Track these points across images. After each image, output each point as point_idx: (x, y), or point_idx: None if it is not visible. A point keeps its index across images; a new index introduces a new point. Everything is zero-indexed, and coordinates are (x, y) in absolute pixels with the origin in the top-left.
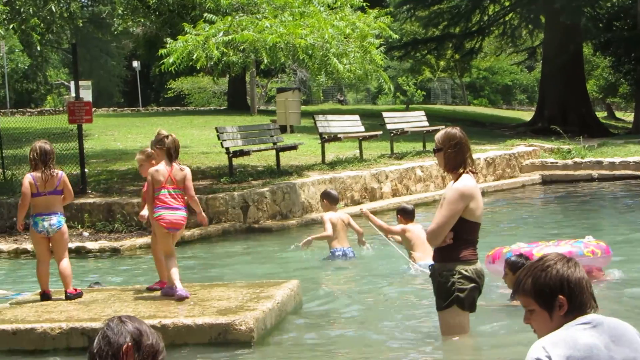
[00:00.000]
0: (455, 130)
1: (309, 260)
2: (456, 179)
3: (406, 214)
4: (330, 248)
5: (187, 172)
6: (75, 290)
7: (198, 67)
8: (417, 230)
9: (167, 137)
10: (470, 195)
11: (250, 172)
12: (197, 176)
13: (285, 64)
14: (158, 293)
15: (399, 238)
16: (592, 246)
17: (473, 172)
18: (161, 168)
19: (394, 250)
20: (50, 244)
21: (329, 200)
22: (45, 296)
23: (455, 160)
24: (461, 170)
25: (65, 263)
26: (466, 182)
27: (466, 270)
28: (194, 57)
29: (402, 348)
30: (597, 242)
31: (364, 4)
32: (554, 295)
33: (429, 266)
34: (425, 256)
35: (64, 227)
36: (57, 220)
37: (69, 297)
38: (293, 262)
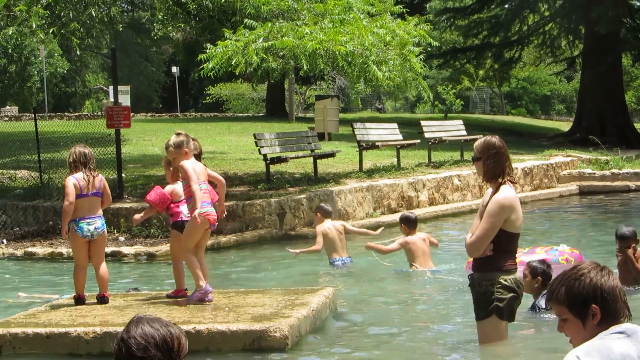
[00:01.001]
0: (495, 139)
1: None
2: (495, 189)
3: (409, 223)
4: (330, 258)
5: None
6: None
7: (237, 73)
8: (418, 241)
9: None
10: (511, 207)
11: (287, 179)
12: (234, 182)
13: (324, 71)
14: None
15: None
16: (567, 254)
17: (512, 182)
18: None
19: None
20: (89, 247)
21: (322, 213)
22: (80, 300)
23: (494, 169)
24: (500, 180)
25: (105, 267)
26: (507, 193)
27: (506, 280)
28: (233, 63)
29: (439, 355)
30: (571, 250)
31: (404, 11)
32: (587, 304)
33: (468, 276)
34: (424, 267)
35: (105, 231)
36: (101, 224)
37: (105, 300)
38: (327, 269)
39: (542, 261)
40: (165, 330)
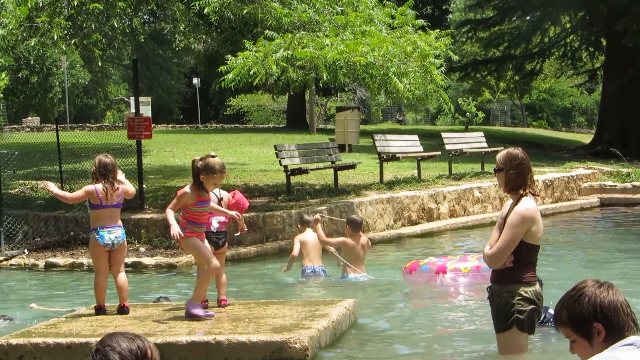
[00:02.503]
0: (517, 151)
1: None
2: (516, 200)
3: (354, 225)
4: (302, 266)
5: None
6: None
7: (254, 83)
8: (357, 247)
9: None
10: (532, 219)
11: (307, 190)
12: (255, 193)
13: (344, 82)
14: (213, 310)
15: (332, 249)
16: None
17: (533, 194)
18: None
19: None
20: (110, 257)
21: (302, 224)
22: (100, 310)
23: (516, 181)
24: (522, 192)
25: (124, 276)
26: (528, 205)
27: (526, 292)
28: (252, 73)
29: None
30: None
31: (425, 24)
32: (589, 323)
33: (487, 288)
34: (358, 269)
35: (125, 241)
36: (121, 233)
37: (125, 310)
38: (347, 281)
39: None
40: (138, 341)
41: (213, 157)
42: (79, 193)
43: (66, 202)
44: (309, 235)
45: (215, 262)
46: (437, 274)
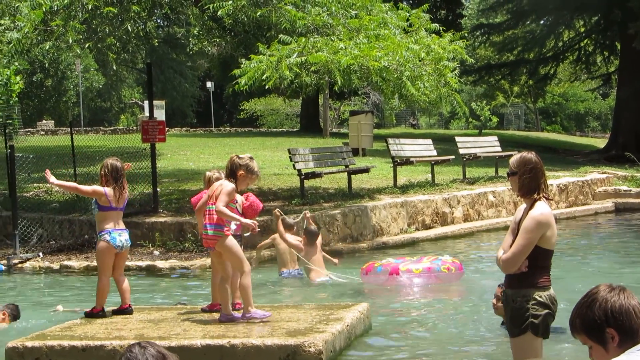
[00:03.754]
0: (531, 155)
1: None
2: (530, 205)
3: (310, 236)
4: (279, 272)
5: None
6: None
7: (267, 87)
8: (310, 252)
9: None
10: (546, 223)
11: (321, 194)
12: (269, 197)
13: (358, 86)
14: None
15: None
16: (448, 264)
17: (547, 198)
18: None
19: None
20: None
21: (285, 227)
22: (101, 313)
23: (529, 185)
24: (535, 196)
25: (126, 279)
26: (542, 209)
27: (540, 297)
28: (264, 77)
29: None
30: (452, 260)
31: (440, 28)
32: (602, 329)
33: (502, 293)
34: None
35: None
36: (128, 236)
37: (130, 310)
38: (362, 284)
39: None
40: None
41: (252, 158)
42: (87, 188)
43: (70, 192)
44: (290, 238)
45: (248, 264)
46: (390, 275)
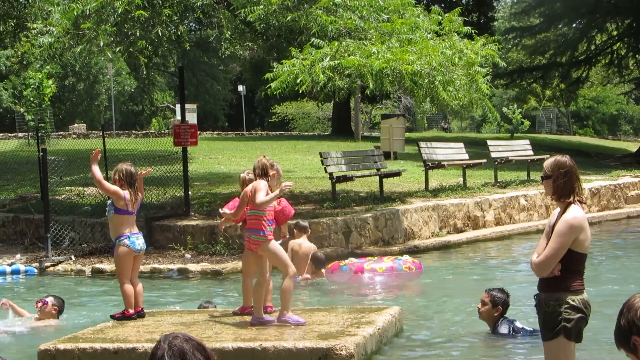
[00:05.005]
0: (566, 159)
1: (408, 286)
2: (564, 208)
3: (317, 263)
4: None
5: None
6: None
7: (300, 91)
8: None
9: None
10: (580, 227)
11: (353, 197)
12: (300, 201)
13: (390, 90)
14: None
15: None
16: (409, 263)
17: (581, 202)
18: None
19: None
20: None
21: (299, 229)
22: (138, 314)
23: (564, 188)
24: (569, 200)
25: (139, 282)
26: (576, 213)
27: (573, 300)
28: (299, 81)
29: None
30: (412, 260)
31: (472, 32)
32: (628, 337)
33: (534, 296)
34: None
35: None
36: (144, 240)
37: (143, 314)
38: (392, 288)
39: (502, 290)
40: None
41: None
42: (111, 186)
43: (95, 179)
44: (303, 243)
45: (293, 268)
46: (355, 273)
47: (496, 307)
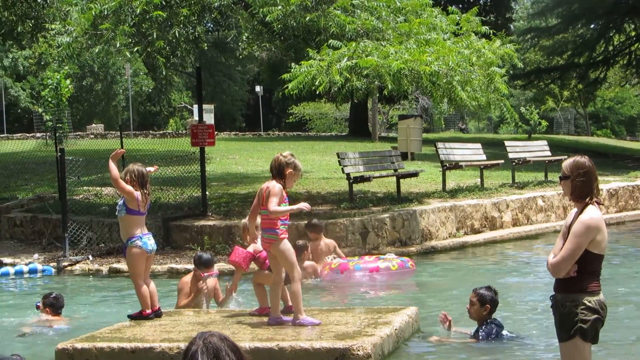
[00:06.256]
0: (584, 159)
1: (426, 286)
2: (581, 209)
3: (312, 229)
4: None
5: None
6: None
7: (318, 92)
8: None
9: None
10: (596, 228)
11: (370, 198)
12: (317, 201)
13: (407, 90)
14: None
15: None
16: (397, 262)
17: (598, 203)
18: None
19: None
20: None
21: (311, 229)
22: (155, 314)
23: (582, 189)
24: (587, 200)
25: (152, 281)
26: (593, 214)
27: (590, 302)
28: (317, 82)
29: None
30: (400, 258)
31: (490, 32)
32: None
33: (550, 297)
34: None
35: None
36: (154, 240)
37: (160, 313)
38: (409, 287)
39: (490, 288)
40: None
41: (293, 155)
42: (126, 186)
43: (111, 176)
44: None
45: (299, 271)
46: (342, 272)
47: (484, 306)
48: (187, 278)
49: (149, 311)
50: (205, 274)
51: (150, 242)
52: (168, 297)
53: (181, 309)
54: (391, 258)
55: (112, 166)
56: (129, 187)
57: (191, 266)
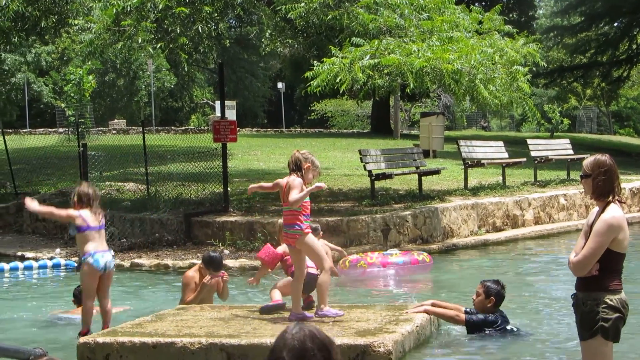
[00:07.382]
0: (605, 158)
1: (446, 282)
2: (603, 208)
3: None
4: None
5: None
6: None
7: (341, 90)
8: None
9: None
10: (618, 227)
11: (392, 195)
12: (339, 198)
13: (430, 88)
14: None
15: None
16: (412, 256)
17: (620, 202)
18: None
19: None
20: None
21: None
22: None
23: (603, 188)
24: (608, 199)
25: (109, 301)
26: (615, 212)
27: (611, 300)
28: (339, 80)
29: None
30: (401, 252)
31: (514, 31)
32: None
33: (572, 295)
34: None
35: (114, 267)
36: (111, 258)
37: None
38: (430, 285)
39: (497, 282)
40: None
41: (310, 153)
42: (62, 212)
43: (51, 218)
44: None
45: (329, 262)
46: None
47: (489, 298)
48: (192, 272)
49: (85, 330)
50: (211, 277)
51: (103, 259)
52: None
53: (188, 304)
54: (395, 254)
55: (39, 210)
56: (64, 212)
57: None
